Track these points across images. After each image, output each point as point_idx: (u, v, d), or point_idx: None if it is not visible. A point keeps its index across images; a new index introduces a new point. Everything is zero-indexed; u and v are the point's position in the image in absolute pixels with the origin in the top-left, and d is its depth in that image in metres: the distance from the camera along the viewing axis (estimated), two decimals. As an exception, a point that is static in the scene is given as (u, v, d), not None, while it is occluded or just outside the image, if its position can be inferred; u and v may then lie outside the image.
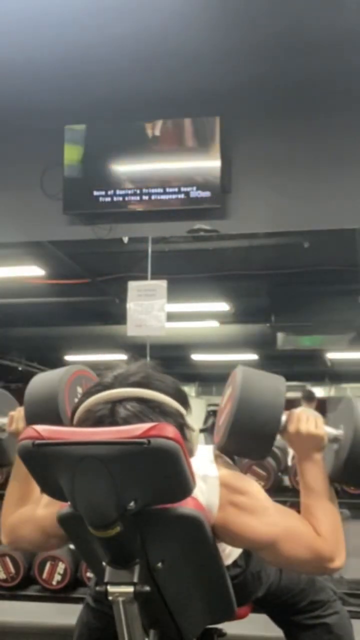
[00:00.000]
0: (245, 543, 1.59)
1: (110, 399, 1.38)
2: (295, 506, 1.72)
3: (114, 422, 1.35)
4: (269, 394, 1.71)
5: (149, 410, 1.36)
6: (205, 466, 1.53)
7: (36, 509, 1.71)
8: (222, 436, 1.71)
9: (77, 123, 3.95)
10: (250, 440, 1.71)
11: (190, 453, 1.38)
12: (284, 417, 1.72)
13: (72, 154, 3.97)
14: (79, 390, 1.81)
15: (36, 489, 1.74)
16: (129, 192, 3.92)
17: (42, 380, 1.84)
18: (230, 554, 1.66)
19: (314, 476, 1.70)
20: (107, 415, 1.36)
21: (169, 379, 1.46)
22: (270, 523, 1.55)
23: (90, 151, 3.97)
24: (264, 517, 1.55)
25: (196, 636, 1.60)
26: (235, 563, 1.69)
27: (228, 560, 1.65)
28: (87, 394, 1.43)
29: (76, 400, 1.68)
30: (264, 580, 1.80)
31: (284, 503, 3.93)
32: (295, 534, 1.58)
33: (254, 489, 1.59)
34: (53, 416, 1.71)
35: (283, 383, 1.74)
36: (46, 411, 1.74)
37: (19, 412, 1.87)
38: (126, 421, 1.34)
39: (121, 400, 1.38)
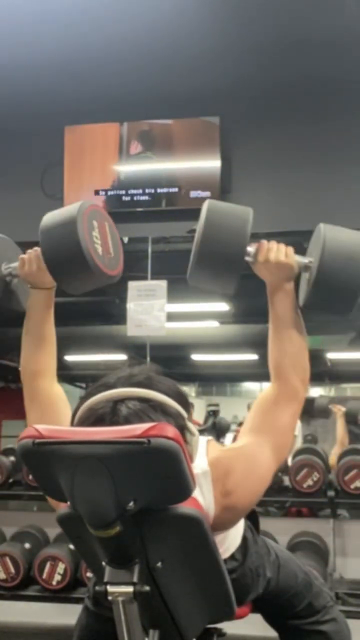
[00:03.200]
0: (263, 491, 1.61)
1: (112, 397, 1.39)
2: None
3: (114, 421, 1.35)
4: (234, 222, 1.72)
5: (151, 409, 1.37)
6: (198, 462, 1.53)
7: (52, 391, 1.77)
8: (190, 267, 1.75)
9: (77, 123, 3.95)
10: (216, 269, 1.73)
11: (191, 458, 1.38)
12: (252, 248, 1.74)
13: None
14: (95, 224, 1.80)
15: (51, 331, 1.85)
16: (129, 191, 3.92)
17: (57, 211, 1.82)
18: (227, 547, 1.66)
19: (284, 306, 1.75)
20: (108, 413, 1.36)
21: (170, 382, 1.47)
22: (262, 464, 1.58)
23: (91, 151, 3.98)
24: (256, 469, 1.58)
25: (196, 636, 1.59)
26: (232, 556, 1.69)
27: (225, 554, 1.64)
28: (90, 394, 1.43)
29: (93, 234, 1.73)
30: (262, 577, 1.80)
31: (283, 503, 3.95)
32: (277, 428, 1.64)
33: (231, 460, 1.59)
34: (72, 244, 1.71)
35: (249, 212, 1.75)
36: (65, 241, 1.73)
37: (30, 253, 1.85)
38: (127, 420, 1.34)
39: (123, 399, 1.38)
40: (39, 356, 1.82)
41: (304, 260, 1.78)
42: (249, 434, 1.65)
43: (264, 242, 1.76)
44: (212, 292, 1.96)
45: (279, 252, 1.74)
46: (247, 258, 1.75)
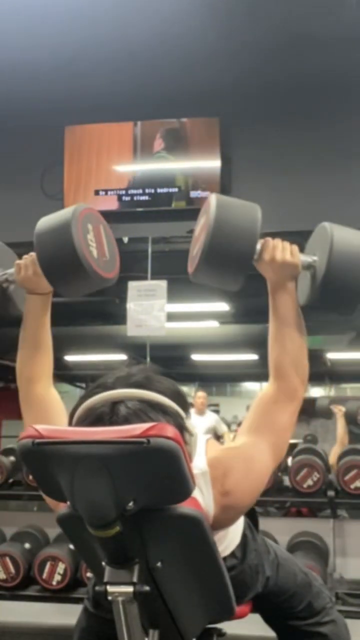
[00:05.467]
0: (261, 491, 1.62)
1: (110, 398, 1.39)
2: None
3: (114, 421, 1.35)
4: (244, 220, 1.69)
5: (150, 408, 1.37)
6: (197, 463, 1.52)
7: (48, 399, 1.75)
8: (196, 264, 1.71)
9: (77, 123, 3.95)
10: (223, 267, 1.70)
11: (190, 457, 1.38)
12: (258, 246, 1.71)
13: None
14: (90, 227, 1.78)
15: (48, 337, 1.83)
16: (129, 191, 3.92)
17: (52, 217, 1.78)
18: (228, 545, 1.66)
19: (286, 304, 1.73)
20: (107, 413, 1.36)
21: (169, 382, 1.46)
22: (259, 463, 1.58)
23: (91, 151, 3.98)
24: (253, 469, 1.57)
25: (196, 636, 1.59)
26: (232, 554, 1.69)
27: (225, 552, 1.64)
28: (88, 395, 1.43)
29: (88, 237, 1.72)
30: (261, 574, 1.80)
31: (283, 503, 3.94)
32: (275, 428, 1.64)
33: (228, 461, 1.58)
34: (67, 250, 1.69)
35: (258, 210, 1.72)
36: (60, 245, 1.71)
37: (26, 259, 1.83)
38: (126, 419, 1.34)
39: (122, 400, 1.38)
40: (35, 361, 1.81)
41: (308, 259, 1.76)
42: (247, 433, 1.64)
43: (269, 240, 1.73)
44: (214, 288, 1.91)
45: (284, 250, 1.72)
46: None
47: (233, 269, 1.71)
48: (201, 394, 6.78)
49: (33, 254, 1.81)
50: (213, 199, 1.71)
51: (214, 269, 1.71)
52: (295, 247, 1.75)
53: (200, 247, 1.70)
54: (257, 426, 1.65)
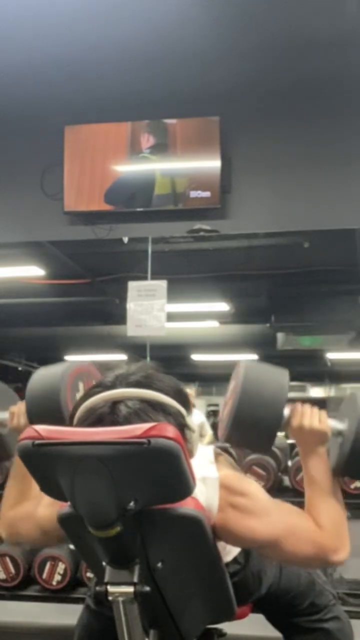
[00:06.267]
0: (247, 543, 1.60)
1: (111, 398, 1.38)
2: (295, 506, 1.71)
3: (114, 420, 1.34)
4: (271, 388, 1.71)
5: (150, 408, 1.36)
6: (205, 467, 1.53)
7: (37, 507, 1.70)
8: (225, 429, 1.73)
9: (77, 123, 3.95)
10: (252, 434, 1.72)
11: (190, 454, 1.38)
12: (287, 411, 1.72)
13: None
14: (81, 386, 1.81)
15: (35, 485, 1.76)
16: (130, 191, 3.92)
17: (43, 376, 1.83)
18: (230, 551, 1.66)
19: (318, 470, 1.72)
20: (107, 413, 1.36)
21: (170, 380, 1.46)
22: (271, 522, 1.55)
23: (91, 151, 3.98)
24: (265, 517, 1.55)
25: (196, 636, 1.60)
26: (234, 560, 1.69)
27: (227, 557, 1.64)
28: (88, 395, 1.43)
29: (78, 396, 1.70)
30: (264, 580, 1.80)
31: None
32: (296, 531, 1.59)
33: (253, 489, 1.59)
34: (54, 412, 1.72)
35: (286, 377, 1.73)
36: (47, 407, 1.75)
37: (19, 408, 1.87)
38: (127, 419, 1.33)
39: (122, 400, 1.38)
40: (21, 504, 1.78)
41: (338, 426, 1.76)
42: (281, 504, 1.62)
43: (298, 406, 1.74)
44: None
45: (312, 417, 1.72)
46: None
47: (262, 435, 1.73)
48: (188, 391, 6.77)
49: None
50: (242, 366, 1.74)
51: (243, 434, 1.74)
52: (324, 414, 1.74)
53: (229, 413, 1.73)
54: (288, 518, 1.60)
